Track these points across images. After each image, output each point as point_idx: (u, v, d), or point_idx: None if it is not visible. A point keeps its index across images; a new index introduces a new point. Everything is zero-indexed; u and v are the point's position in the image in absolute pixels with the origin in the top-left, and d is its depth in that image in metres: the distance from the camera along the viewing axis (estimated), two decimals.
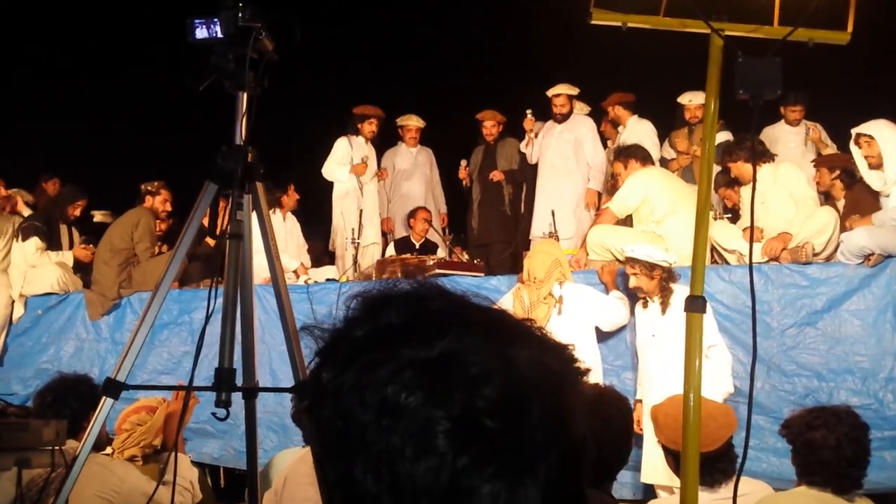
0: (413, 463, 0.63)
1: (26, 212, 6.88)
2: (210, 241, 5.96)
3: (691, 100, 6.62)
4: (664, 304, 4.44)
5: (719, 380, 4.19)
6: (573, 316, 4.53)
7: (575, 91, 6.82)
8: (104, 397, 1.90)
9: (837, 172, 5.52)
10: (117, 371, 1.92)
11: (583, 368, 0.72)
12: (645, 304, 4.55)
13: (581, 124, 6.86)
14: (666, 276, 4.45)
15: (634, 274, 4.49)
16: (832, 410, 2.62)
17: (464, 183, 7.55)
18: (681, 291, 4.41)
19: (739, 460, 1.87)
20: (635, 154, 5.46)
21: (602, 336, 4.85)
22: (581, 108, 7.16)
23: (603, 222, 5.33)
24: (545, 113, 7.07)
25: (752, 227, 1.94)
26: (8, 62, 8.96)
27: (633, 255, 4.50)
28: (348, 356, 0.68)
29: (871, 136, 4.68)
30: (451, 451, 0.63)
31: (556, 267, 4.65)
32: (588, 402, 0.73)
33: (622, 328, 4.86)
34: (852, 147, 4.84)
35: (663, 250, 4.64)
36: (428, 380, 0.64)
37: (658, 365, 4.34)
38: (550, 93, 6.80)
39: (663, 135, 6.94)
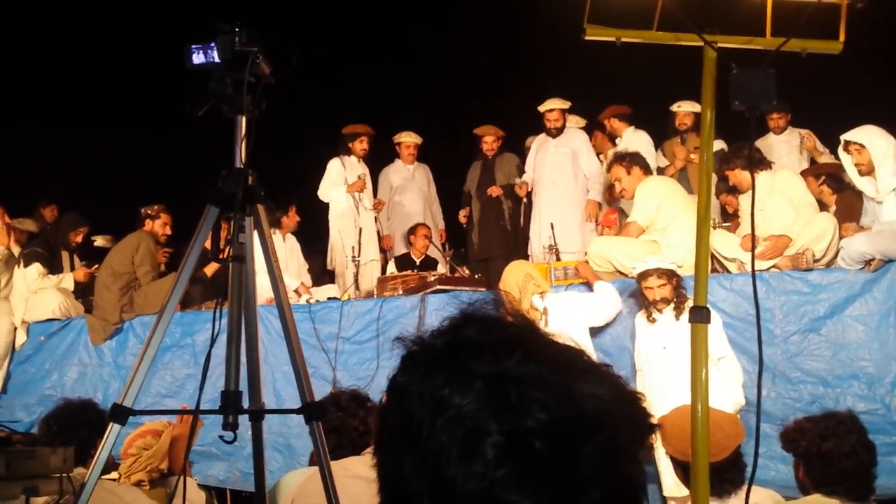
0: (458, 465, 0.65)
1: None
2: (208, 271, 5.99)
3: (681, 106, 6.73)
4: (678, 311, 4.46)
5: (731, 391, 4.18)
6: (562, 324, 4.54)
7: (567, 105, 6.85)
8: (111, 423, 1.90)
9: (822, 179, 5.59)
10: (124, 396, 1.92)
11: (652, 423, 0.74)
12: (650, 317, 4.54)
13: (575, 137, 6.91)
14: (678, 283, 4.49)
15: (649, 288, 4.50)
16: (837, 418, 2.61)
17: (462, 223, 7.61)
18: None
19: (748, 469, 1.87)
20: (639, 161, 5.52)
21: (606, 348, 4.85)
22: (577, 122, 7.21)
23: (630, 234, 5.36)
24: (537, 128, 7.11)
25: (752, 235, 1.94)
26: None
27: (647, 266, 4.53)
28: (423, 361, 0.73)
29: (861, 144, 4.70)
30: (495, 461, 0.65)
31: (528, 281, 4.69)
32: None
33: (626, 337, 4.86)
34: (841, 153, 4.88)
35: (659, 259, 4.65)
36: (487, 392, 0.67)
37: (669, 377, 4.32)
38: (543, 108, 6.83)
39: (658, 145, 7.00)
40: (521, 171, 7.32)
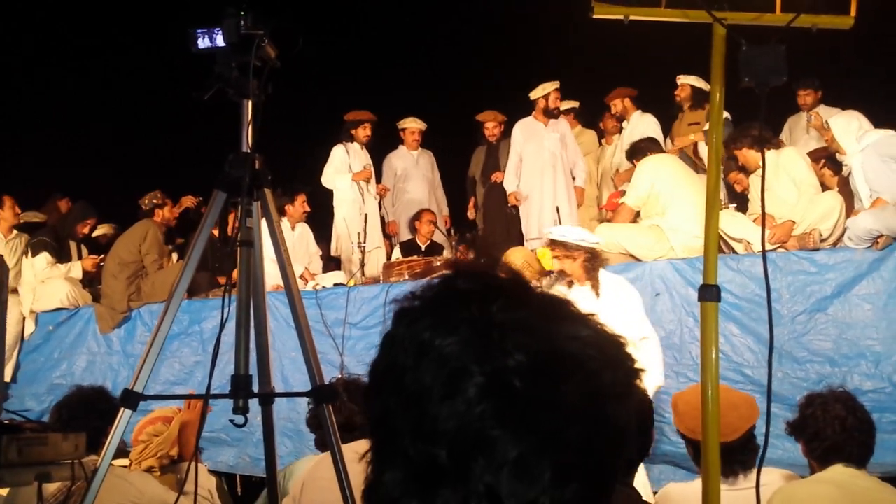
0: (440, 404, 0.67)
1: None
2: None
3: (678, 79, 6.78)
4: (595, 289, 4.30)
5: (651, 372, 4.10)
6: None
7: (557, 84, 6.79)
8: (122, 409, 1.91)
9: (823, 162, 5.60)
10: (135, 382, 1.92)
11: (635, 367, 0.74)
12: (570, 286, 4.36)
13: (562, 122, 6.89)
14: (589, 259, 4.30)
15: (556, 257, 4.38)
16: (822, 394, 2.67)
17: (470, 217, 7.58)
18: (607, 277, 4.36)
19: (761, 451, 1.87)
20: (648, 148, 5.53)
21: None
22: (570, 104, 7.21)
23: (621, 218, 5.36)
24: (521, 112, 7.02)
25: (763, 215, 1.93)
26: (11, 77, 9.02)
27: (552, 237, 4.41)
28: (409, 311, 0.74)
29: (826, 125, 5.15)
30: (476, 398, 0.66)
31: (525, 268, 4.66)
32: (638, 402, 0.76)
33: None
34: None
35: (582, 232, 4.47)
36: (469, 335, 0.69)
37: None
38: (541, 92, 6.73)
39: (665, 129, 6.98)
40: None
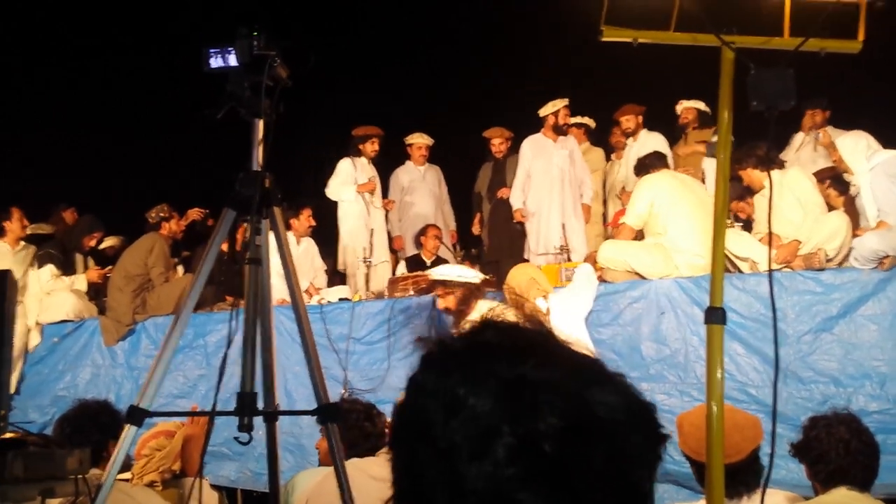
0: (469, 463, 0.67)
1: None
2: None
3: (681, 104, 6.89)
4: (458, 323, 4.62)
5: None
6: (563, 323, 4.57)
7: (567, 101, 6.83)
8: (128, 425, 1.91)
9: (828, 182, 5.60)
10: (140, 398, 1.92)
11: (662, 432, 0.75)
12: (455, 325, 4.70)
13: (570, 139, 6.92)
14: (465, 293, 4.58)
15: (439, 294, 4.69)
16: (824, 419, 2.65)
17: (475, 233, 7.61)
18: (483, 307, 4.53)
19: (766, 472, 1.86)
20: (653, 165, 5.55)
21: (618, 349, 4.85)
22: (588, 121, 7.23)
23: (621, 237, 5.37)
24: (528, 129, 7.06)
25: (770, 235, 1.93)
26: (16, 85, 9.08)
27: (432, 277, 4.76)
28: (440, 362, 0.74)
29: (833, 145, 5.20)
30: (505, 460, 0.67)
31: (532, 285, 4.71)
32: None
33: (638, 338, 4.86)
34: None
35: (461, 271, 4.79)
36: (501, 394, 0.69)
37: None
38: (550, 109, 6.76)
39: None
40: None
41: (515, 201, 6.85)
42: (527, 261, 6.64)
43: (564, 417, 0.68)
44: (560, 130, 6.78)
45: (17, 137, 8.73)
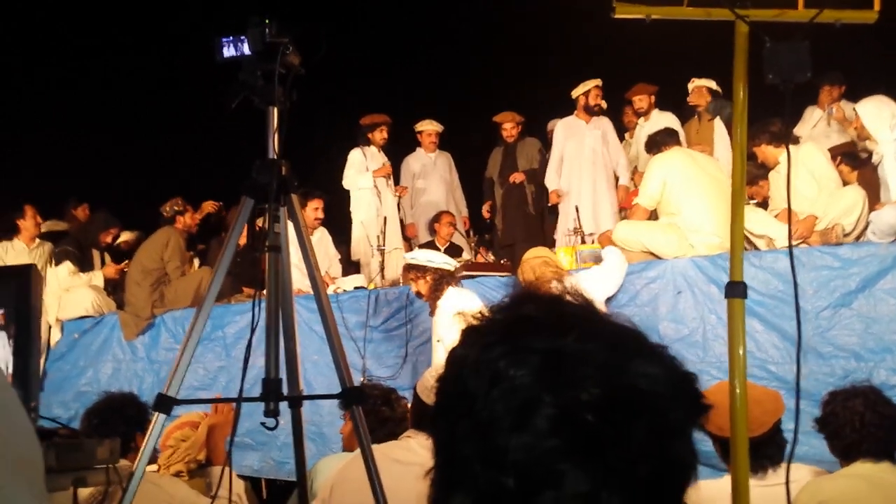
0: (510, 434, 0.68)
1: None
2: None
3: (693, 82, 6.83)
4: (433, 308, 4.73)
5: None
6: None
7: (600, 82, 6.82)
8: (157, 413, 1.94)
9: (839, 159, 5.55)
10: (168, 386, 1.95)
11: (705, 404, 0.75)
12: (432, 313, 4.81)
13: (603, 120, 6.89)
14: (436, 279, 4.69)
15: (412, 280, 4.81)
16: (842, 393, 2.65)
17: (486, 219, 7.62)
18: (450, 293, 4.69)
19: (789, 446, 1.87)
20: (664, 142, 5.51)
21: None
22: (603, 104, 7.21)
23: (635, 217, 5.36)
24: (558, 111, 7.06)
25: (789, 211, 1.93)
26: (24, 83, 9.13)
27: (406, 260, 4.88)
28: (482, 334, 0.74)
29: (855, 112, 5.05)
30: (547, 431, 0.67)
31: (545, 267, 4.72)
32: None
33: (656, 318, 4.86)
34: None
35: (433, 256, 4.87)
36: (542, 366, 0.69)
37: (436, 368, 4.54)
38: (582, 89, 6.75)
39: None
40: (543, 156, 7.30)
41: (550, 183, 6.88)
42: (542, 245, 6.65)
43: (606, 388, 0.68)
44: (591, 111, 6.78)
45: (21, 136, 8.78)
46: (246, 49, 2.03)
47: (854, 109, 5.10)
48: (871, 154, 5.24)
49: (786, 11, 1.81)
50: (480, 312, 0.77)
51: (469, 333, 0.76)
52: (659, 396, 0.70)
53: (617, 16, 1.87)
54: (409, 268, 4.85)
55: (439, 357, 4.67)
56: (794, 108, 6.63)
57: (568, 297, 0.78)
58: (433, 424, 0.77)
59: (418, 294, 4.84)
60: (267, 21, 2.01)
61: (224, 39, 2.04)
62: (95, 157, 9.14)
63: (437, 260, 4.80)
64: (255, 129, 2.16)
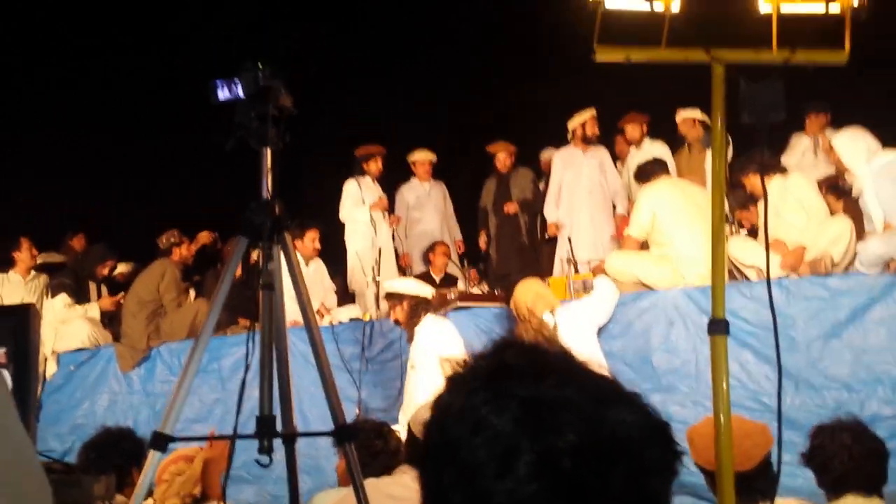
0: (493, 480, 0.71)
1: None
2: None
3: (680, 114, 6.95)
4: (410, 335, 4.85)
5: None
6: (571, 336, 4.62)
7: (594, 112, 6.91)
8: (152, 451, 1.96)
9: (824, 189, 5.62)
10: (164, 424, 1.98)
11: (678, 450, 0.79)
12: (409, 339, 4.93)
13: (600, 149, 6.97)
14: (414, 307, 4.83)
15: (390, 306, 4.98)
16: (829, 427, 2.67)
17: (483, 250, 7.68)
18: (427, 321, 4.82)
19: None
20: (653, 171, 5.58)
21: (629, 360, 4.87)
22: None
23: (626, 248, 5.42)
24: (551, 140, 7.13)
25: (766, 243, 1.98)
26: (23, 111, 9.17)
27: (385, 289, 5.07)
28: (465, 381, 0.78)
29: (830, 146, 5.12)
30: (527, 477, 0.70)
31: (538, 299, 4.77)
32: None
33: (648, 349, 4.88)
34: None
35: (415, 284, 5.03)
36: (522, 413, 0.73)
37: (411, 393, 4.75)
38: (578, 121, 6.84)
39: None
40: (537, 186, 7.37)
41: (549, 214, 6.95)
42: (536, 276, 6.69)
43: (582, 435, 0.71)
44: (588, 141, 6.86)
45: (21, 136, 8.76)
46: (240, 92, 2.09)
47: (830, 143, 5.14)
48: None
49: (760, 53, 1.87)
50: (464, 360, 0.81)
51: (454, 380, 0.80)
52: (634, 442, 0.73)
53: (598, 59, 1.93)
54: (387, 296, 5.02)
55: (413, 384, 4.77)
56: (780, 134, 6.73)
57: (546, 345, 0.82)
58: (420, 468, 0.80)
59: (396, 322, 4.97)
60: (260, 65, 2.07)
61: (218, 82, 2.10)
62: (89, 185, 9.16)
63: (413, 288, 4.94)
64: (250, 160, 2.21)
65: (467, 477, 0.72)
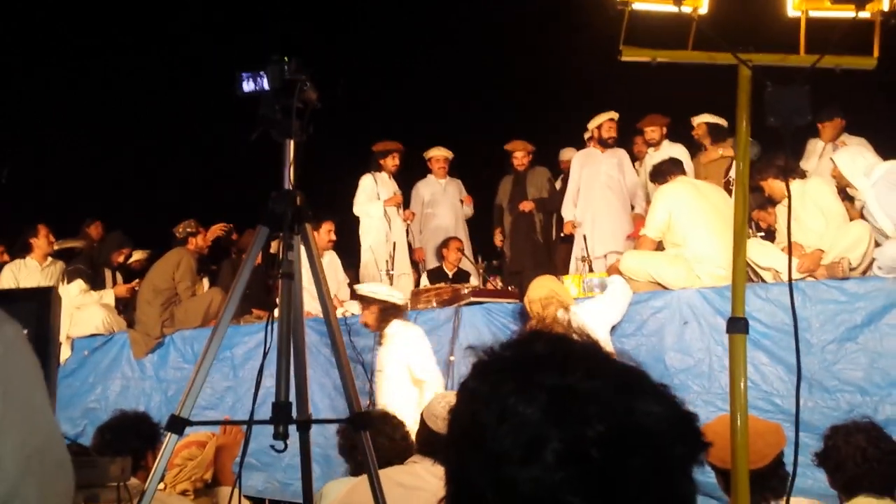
0: (519, 468, 0.72)
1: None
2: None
3: (694, 119, 6.93)
4: (381, 338, 4.89)
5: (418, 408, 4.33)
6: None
7: (616, 116, 6.91)
8: (169, 434, 1.99)
9: (843, 194, 5.58)
10: (181, 407, 2.00)
11: (704, 442, 0.79)
12: (380, 342, 4.98)
13: (619, 150, 6.97)
14: (382, 310, 4.86)
15: (363, 308, 5.01)
16: (843, 428, 2.68)
17: (498, 247, 7.67)
18: (397, 326, 4.86)
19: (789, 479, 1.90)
20: (669, 171, 5.56)
21: (642, 359, 4.83)
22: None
23: (642, 248, 5.41)
24: (569, 140, 7.12)
25: (789, 246, 1.98)
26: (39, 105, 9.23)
27: (357, 292, 5.09)
28: (492, 370, 0.79)
29: (832, 161, 5.10)
30: (554, 465, 0.71)
31: (551, 297, 4.78)
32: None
33: (661, 348, 4.88)
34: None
35: (388, 291, 5.04)
36: (550, 403, 0.73)
37: (383, 397, 4.79)
38: (598, 121, 6.85)
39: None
40: (553, 184, 7.37)
41: (567, 213, 6.94)
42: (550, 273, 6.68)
43: (610, 425, 0.72)
44: (606, 143, 6.87)
45: (21, 138, 8.83)
46: (265, 84, 2.10)
47: (831, 159, 5.11)
48: None
49: (788, 56, 1.87)
50: (490, 348, 0.81)
51: (480, 368, 0.80)
52: (661, 434, 0.74)
53: (624, 59, 1.94)
54: (358, 298, 5.07)
55: (382, 388, 4.82)
56: (796, 142, 6.69)
57: (574, 336, 0.83)
58: (445, 454, 0.81)
59: (365, 324, 5.00)
60: (286, 59, 2.08)
61: (244, 74, 2.12)
62: (107, 172, 9.22)
63: (382, 292, 4.98)
64: (269, 156, 2.23)
65: (493, 464, 0.73)
